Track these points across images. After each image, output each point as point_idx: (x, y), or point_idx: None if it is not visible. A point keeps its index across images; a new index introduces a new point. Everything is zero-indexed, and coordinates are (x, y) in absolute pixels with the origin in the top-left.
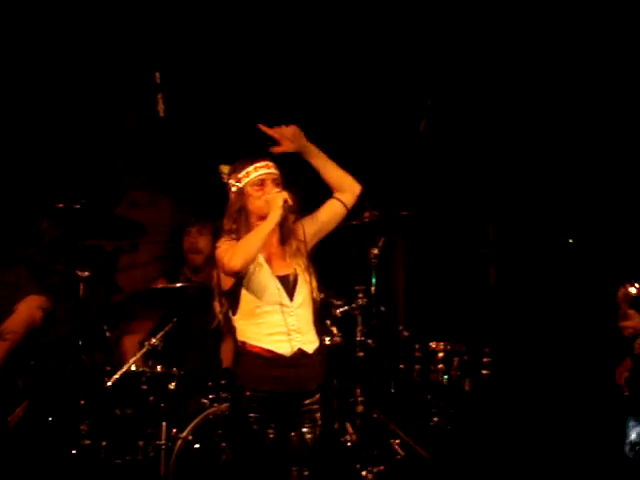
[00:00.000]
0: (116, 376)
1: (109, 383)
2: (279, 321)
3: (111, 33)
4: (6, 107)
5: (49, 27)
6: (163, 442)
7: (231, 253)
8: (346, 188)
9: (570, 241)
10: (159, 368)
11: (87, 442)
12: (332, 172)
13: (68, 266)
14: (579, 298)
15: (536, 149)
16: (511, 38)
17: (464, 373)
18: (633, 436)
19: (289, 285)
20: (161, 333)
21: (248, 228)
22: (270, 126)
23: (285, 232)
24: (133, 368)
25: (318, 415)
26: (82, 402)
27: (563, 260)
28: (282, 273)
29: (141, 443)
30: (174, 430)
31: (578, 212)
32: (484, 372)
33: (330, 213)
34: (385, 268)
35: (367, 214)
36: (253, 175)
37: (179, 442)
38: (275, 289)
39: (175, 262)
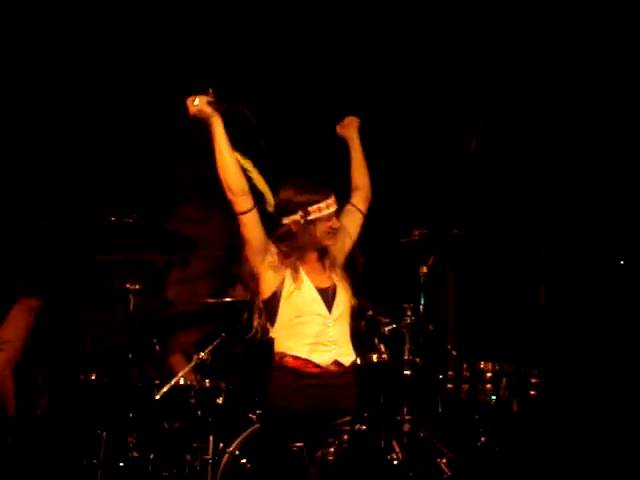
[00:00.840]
0: (164, 389)
1: (157, 396)
2: (318, 332)
3: (166, 48)
4: (60, 122)
5: (104, 41)
6: (210, 456)
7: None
8: (364, 190)
9: (622, 263)
10: (207, 382)
11: (135, 454)
12: (362, 170)
13: (61, 269)
14: (631, 320)
15: (589, 169)
16: (564, 58)
17: (512, 393)
18: None
19: (328, 297)
20: (210, 347)
21: (302, 256)
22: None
23: (323, 249)
24: (181, 382)
25: (346, 437)
26: (131, 415)
27: (614, 282)
28: (322, 286)
29: (188, 457)
30: (221, 444)
31: (630, 234)
32: (532, 393)
33: (351, 222)
34: (434, 287)
35: (417, 232)
36: (325, 212)
37: (226, 456)
38: (316, 301)
39: (226, 278)
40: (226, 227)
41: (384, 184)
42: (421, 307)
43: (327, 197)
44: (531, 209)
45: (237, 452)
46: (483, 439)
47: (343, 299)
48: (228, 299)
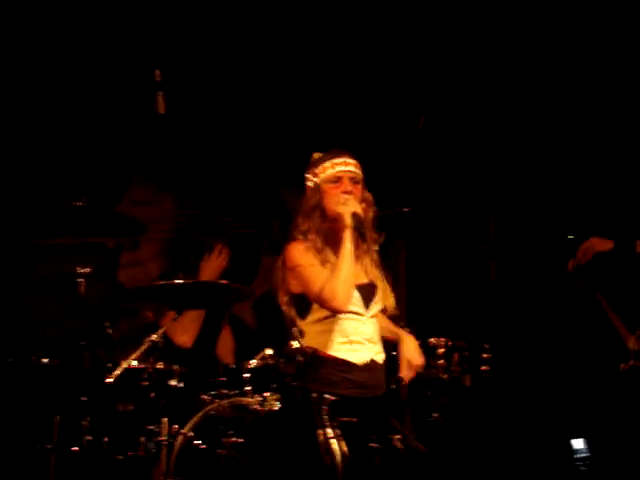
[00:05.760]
0: (117, 372)
1: (110, 379)
2: (353, 330)
3: (111, 31)
4: (7, 106)
5: (49, 26)
6: (164, 438)
7: (329, 291)
8: None
9: (570, 237)
10: (160, 364)
11: (89, 438)
12: None
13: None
14: (579, 294)
15: (537, 145)
16: (511, 34)
17: (464, 369)
18: None
19: (367, 294)
20: (162, 330)
21: (319, 229)
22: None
23: (359, 235)
24: (134, 364)
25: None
26: (84, 398)
27: (564, 256)
28: (361, 281)
29: (142, 439)
30: (175, 426)
31: (578, 208)
32: (484, 368)
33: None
34: (386, 264)
35: None
36: (329, 172)
37: (180, 438)
38: (355, 300)
39: (177, 259)
40: (176, 209)
41: None
42: None
43: (334, 157)
44: (480, 185)
45: (191, 434)
46: (435, 415)
47: (381, 296)
48: (178, 281)
